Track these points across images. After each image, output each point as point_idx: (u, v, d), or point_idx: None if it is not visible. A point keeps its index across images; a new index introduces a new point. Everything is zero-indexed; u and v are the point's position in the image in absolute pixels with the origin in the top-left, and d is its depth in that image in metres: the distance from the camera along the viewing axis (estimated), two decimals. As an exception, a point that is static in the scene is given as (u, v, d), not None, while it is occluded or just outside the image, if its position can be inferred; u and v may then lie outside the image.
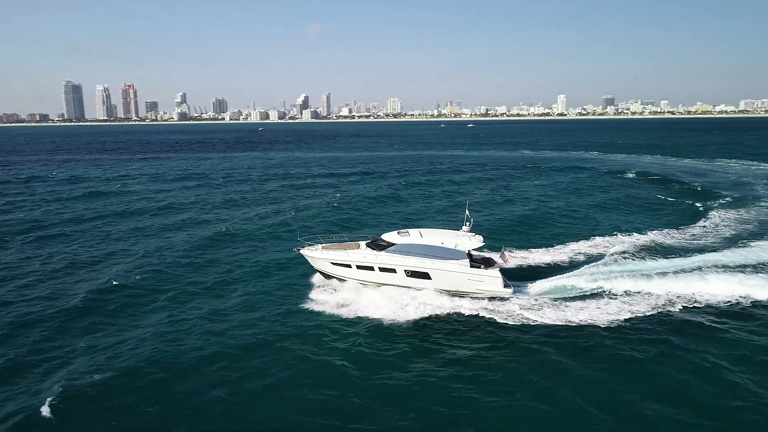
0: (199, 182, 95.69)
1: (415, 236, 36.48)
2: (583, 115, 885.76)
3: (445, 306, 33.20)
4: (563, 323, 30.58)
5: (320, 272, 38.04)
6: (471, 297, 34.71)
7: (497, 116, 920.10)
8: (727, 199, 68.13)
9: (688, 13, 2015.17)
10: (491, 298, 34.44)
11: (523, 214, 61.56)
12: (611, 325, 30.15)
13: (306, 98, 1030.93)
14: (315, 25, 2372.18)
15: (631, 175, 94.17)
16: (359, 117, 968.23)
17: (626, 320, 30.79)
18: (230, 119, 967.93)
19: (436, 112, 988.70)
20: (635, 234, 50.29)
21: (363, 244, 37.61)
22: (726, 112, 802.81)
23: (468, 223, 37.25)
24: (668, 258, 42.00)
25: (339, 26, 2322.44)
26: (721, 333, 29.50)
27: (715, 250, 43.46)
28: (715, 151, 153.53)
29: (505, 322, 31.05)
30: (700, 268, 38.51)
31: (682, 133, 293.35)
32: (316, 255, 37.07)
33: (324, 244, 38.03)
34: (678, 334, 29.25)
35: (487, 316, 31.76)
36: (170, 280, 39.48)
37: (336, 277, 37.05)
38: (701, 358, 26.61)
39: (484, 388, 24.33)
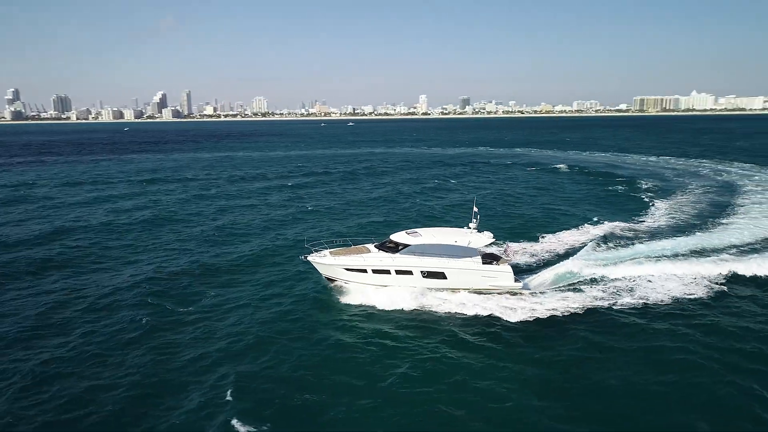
0: (126, 190, 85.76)
1: (426, 236, 35.84)
2: (445, 114, 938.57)
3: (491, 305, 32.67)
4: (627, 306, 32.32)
5: (328, 278, 36.38)
6: (482, 294, 34.58)
7: (366, 115, 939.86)
8: (654, 185, 78.15)
9: (525, 22, 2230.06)
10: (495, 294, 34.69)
11: (492, 209, 63.77)
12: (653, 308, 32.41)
13: (164, 96, 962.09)
14: (167, 20, 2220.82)
15: (563, 168, 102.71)
16: (225, 116, 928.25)
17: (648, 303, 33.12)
18: (77, 118, 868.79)
19: (304, 111, 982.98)
20: (606, 223, 53.79)
21: (371, 246, 36.60)
22: (565, 111, 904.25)
23: (475, 220, 37.08)
24: (644, 243, 45.55)
25: (193, 22, 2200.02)
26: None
27: (676, 235, 47.92)
28: (590, 145, 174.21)
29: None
30: (693, 252, 41.77)
31: (547, 129, 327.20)
32: (328, 261, 35.27)
33: (331, 250, 36.55)
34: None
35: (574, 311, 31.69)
36: (214, 299, 35.34)
37: (348, 283, 35.51)
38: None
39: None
